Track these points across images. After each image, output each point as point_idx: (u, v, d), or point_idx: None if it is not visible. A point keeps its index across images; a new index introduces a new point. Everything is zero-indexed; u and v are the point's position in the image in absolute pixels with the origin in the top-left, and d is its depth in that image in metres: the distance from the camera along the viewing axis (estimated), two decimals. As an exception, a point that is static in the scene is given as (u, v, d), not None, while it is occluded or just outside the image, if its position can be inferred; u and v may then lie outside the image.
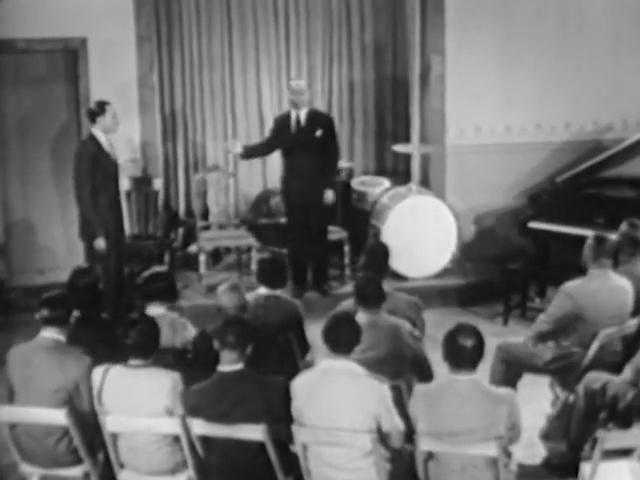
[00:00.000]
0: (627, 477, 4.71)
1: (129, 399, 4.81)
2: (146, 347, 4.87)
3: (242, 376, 4.72)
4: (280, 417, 4.67)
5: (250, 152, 8.47)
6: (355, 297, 5.46)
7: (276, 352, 5.49)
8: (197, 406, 4.72)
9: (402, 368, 5.30)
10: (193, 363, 5.38)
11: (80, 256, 8.19)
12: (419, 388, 4.76)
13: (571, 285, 5.86)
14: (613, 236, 6.18)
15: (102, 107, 7.40)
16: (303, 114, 8.17)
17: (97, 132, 7.40)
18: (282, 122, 8.28)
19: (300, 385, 4.73)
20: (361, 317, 5.22)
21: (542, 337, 5.94)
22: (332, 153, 8.31)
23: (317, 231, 8.37)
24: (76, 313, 5.45)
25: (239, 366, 4.73)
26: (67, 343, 5.09)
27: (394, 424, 4.64)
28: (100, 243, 7.35)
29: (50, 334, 5.05)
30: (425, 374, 5.39)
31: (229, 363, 4.73)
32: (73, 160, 7.47)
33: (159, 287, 5.60)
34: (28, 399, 4.97)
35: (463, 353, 4.55)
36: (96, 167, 7.32)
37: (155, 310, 5.50)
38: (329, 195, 8.24)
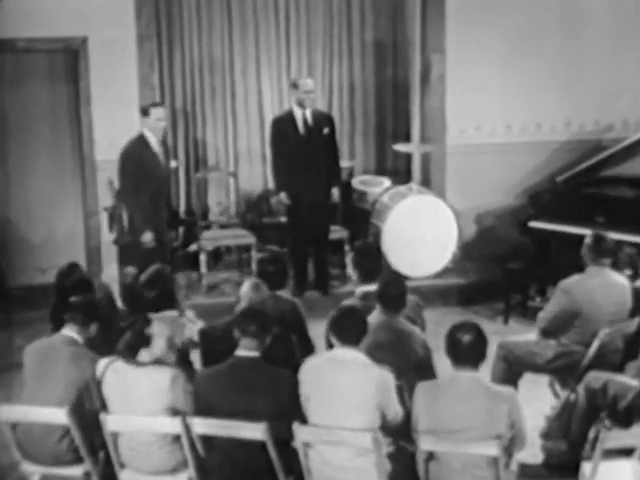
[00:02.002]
0: (627, 477, 4.71)
1: (127, 397, 4.83)
2: (135, 348, 4.88)
3: (257, 364, 4.77)
4: (286, 411, 4.68)
5: (283, 180, 8.25)
6: (377, 297, 5.41)
7: (277, 353, 5.48)
8: (207, 388, 4.75)
9: (405, 371, 5.28)
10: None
11: (80, 256, 8.21)
12: (421, 385, 4.77)
13: (568, 282, 5.90)
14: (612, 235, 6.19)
15: (147, 109, 7.52)
16: (309, 113, 8.15)
17: (146, 131, 7.49)
18: (285, 124, 8.19)
19: (308, 369, 4.77)
20: (376, 316, 5.22)
21: (545, 333, 5.96)
22: (335, 151, 8.31)
23: (320, 230, 8.37)
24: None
25: (256, 354, 4.77)
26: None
27: (396, 411, 4.68)
28: (147, 236, 7.35)
29: (70, 333, 5.10)
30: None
31: (247, 349, 4.77)
32: (119, 158, 7.51)
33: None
34: (39, 393, 4.97)
35: (463, 347, 4.57)
36: (140, 165, 7.37)
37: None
38: (336, 193, 8.26)
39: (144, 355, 4.87)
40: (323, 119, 8.24)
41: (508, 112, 9.18)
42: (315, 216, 8.23)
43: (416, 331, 5.40)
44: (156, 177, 7.47)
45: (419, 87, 9.22)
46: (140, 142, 7.46)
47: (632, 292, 5.94)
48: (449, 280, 8.77)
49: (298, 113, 8.15)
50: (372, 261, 5.92)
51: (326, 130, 8.17)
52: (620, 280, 5.94)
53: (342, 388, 4.61)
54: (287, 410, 4.69)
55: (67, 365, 4.98)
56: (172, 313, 5.64)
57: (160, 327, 5.01)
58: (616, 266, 6.11)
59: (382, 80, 9.71)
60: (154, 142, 7.47)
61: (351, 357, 4.71)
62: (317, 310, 6.66)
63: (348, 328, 4.75)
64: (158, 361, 4.95)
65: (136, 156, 7.40)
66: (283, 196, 8.23)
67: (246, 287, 5.65)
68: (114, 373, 4.89)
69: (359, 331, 4.77)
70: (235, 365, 4.78)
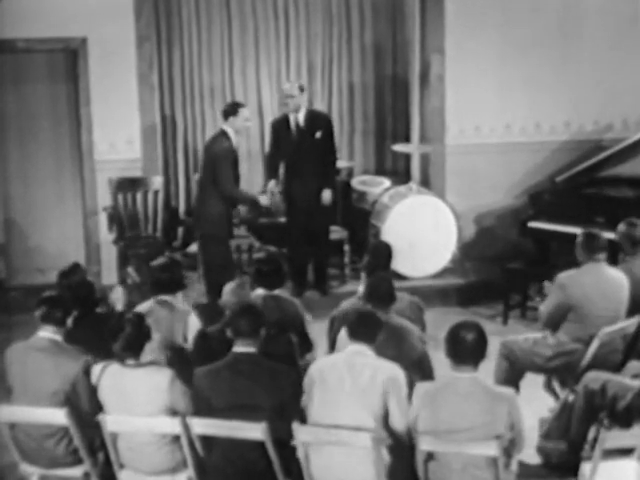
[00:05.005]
0: (627, 477, 4.71)
1: (125, 399, 4.82)
2: (133, 347, 4.86)
3: (255, 359, 4.80)
4: (285, 406, 4.70)
5: (275, 172, 8.40)
6: (366, 296, 5.45)
7: (277, 353, 5.48)
8: (207, 384, 4.77)
9: (405, 368, 5.28)
10: (192, 361, 5.41)
11: (79, 256, 8.20)
12: (420, 385, 4.77)
13: (564, 276, 5.95)
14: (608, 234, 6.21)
15: (235, 108, 7.59)
16: (301, 116, 8.14)
17: (228, 129, 7.59)
18: (280, 126, 8.23)
19: (318, 367, 4.79)
20: None
21: (547, 326, 6.00)
22: (330, 153, 8.29)
23: (318, 232, 8.36)
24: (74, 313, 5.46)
25: (253, 350, 4.80)
26: (65, 342, 5.09)
27: (401, 413, 4.68)
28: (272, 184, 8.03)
29: (47, 334, 5.05)
30: (426, 379, 5.37)
31: (243, 346, 4.80)
32: (216, 155, 7.56)
33: (167, 277, 5.69)
34: (26, 400, 4.96)
35: (463, 347, 4.57)
36: (231, 161, 7.59)
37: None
38: (326, 195, 8.22)
39: (146, 354, 4.88)
40: (318, 121, 8.20)
41: (507, 112, 9.18)
42: (311, 218, 8.22)
43: (410, 324, 5.42)
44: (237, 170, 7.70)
45: (418, 87, 9.22)
46: (227, 140, 7.56)
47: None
48: (449, 280, 8.77)
49: (291, 116, 8.16)
50: (385, 262, 5.97)
51: (319, 133, 8.14)
52: (617, 276, 5.95)
53: (350, 384, 4.64)
54: (286, 405, 4.70)
55: (48, 374, 4.92)
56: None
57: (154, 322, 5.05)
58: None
59: (381, 80, 9.70)
60: (234, 138, 7.61)
61: (362, 351, 4.75)
62: (316, 310, 6.66)
63: (367, 328, 4.80)
64: (154, 362, 4.96)
65: (230, 154, 7.56)
66: (272, 184, 8.28)
67: (228, 290, 5.67)
68: (110, 377, 4.87)
69: (374, 331, 4.83)
70: (234, 361, 4.80)
